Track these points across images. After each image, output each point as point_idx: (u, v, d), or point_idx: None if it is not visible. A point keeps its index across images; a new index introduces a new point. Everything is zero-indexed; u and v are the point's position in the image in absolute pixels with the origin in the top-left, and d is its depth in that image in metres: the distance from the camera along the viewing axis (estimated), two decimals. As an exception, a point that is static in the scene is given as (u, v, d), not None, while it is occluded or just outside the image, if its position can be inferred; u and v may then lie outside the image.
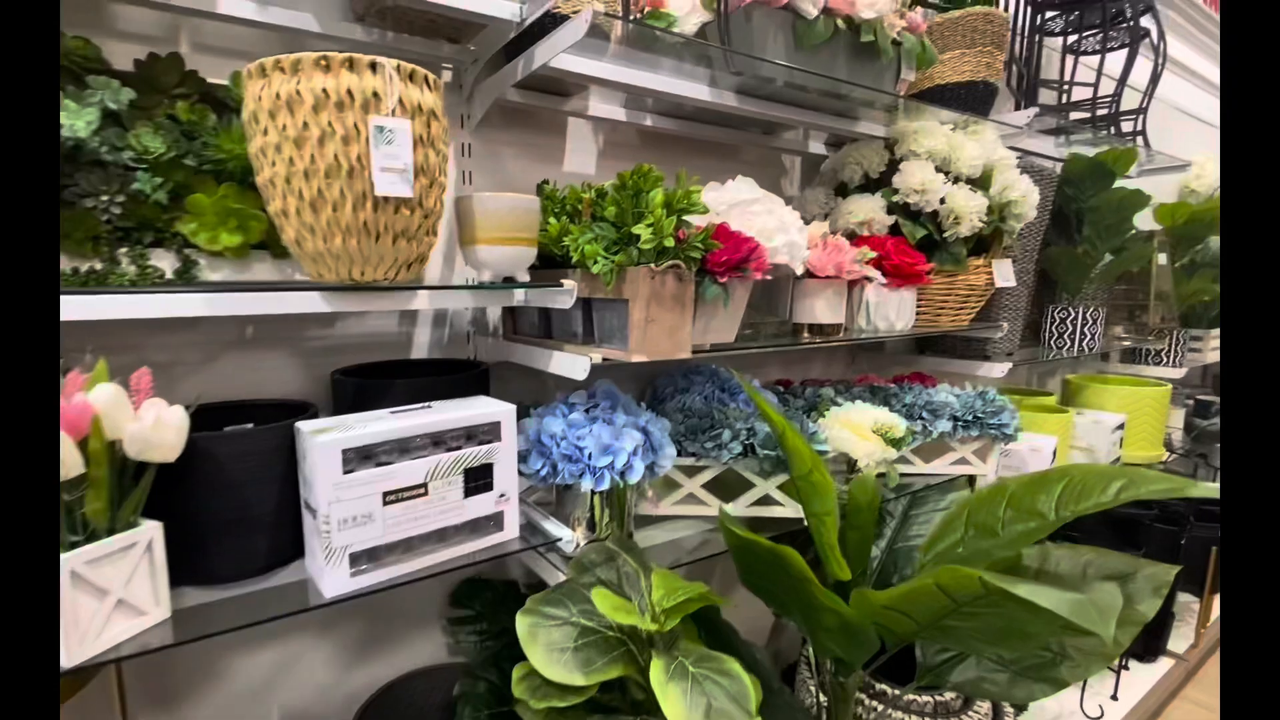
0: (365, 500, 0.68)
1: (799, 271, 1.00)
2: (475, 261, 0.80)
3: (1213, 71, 3.21)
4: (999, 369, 1.45)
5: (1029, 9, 1.59)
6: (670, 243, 0.75)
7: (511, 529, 0.83)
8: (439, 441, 0.73)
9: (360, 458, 0.68)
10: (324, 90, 0.60)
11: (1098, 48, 1.97)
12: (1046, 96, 1.88)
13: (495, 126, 1.10)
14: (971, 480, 1.48)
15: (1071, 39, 1.86)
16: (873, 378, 1.49)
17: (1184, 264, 2.10)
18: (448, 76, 1.05)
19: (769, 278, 0.91)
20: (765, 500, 1.10)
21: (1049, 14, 1.78)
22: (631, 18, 0.97)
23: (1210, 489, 0.80)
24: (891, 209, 1.26)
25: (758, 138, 1.38)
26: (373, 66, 0.62)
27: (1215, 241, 2.48)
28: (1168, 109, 2.94)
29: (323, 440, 0.66)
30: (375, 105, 0.62)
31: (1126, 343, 2.08)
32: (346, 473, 0.67)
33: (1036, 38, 1.59)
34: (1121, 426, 1.87)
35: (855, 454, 1.14)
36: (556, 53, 0.84)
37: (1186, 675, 2.11)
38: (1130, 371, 2.18)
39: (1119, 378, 2.12)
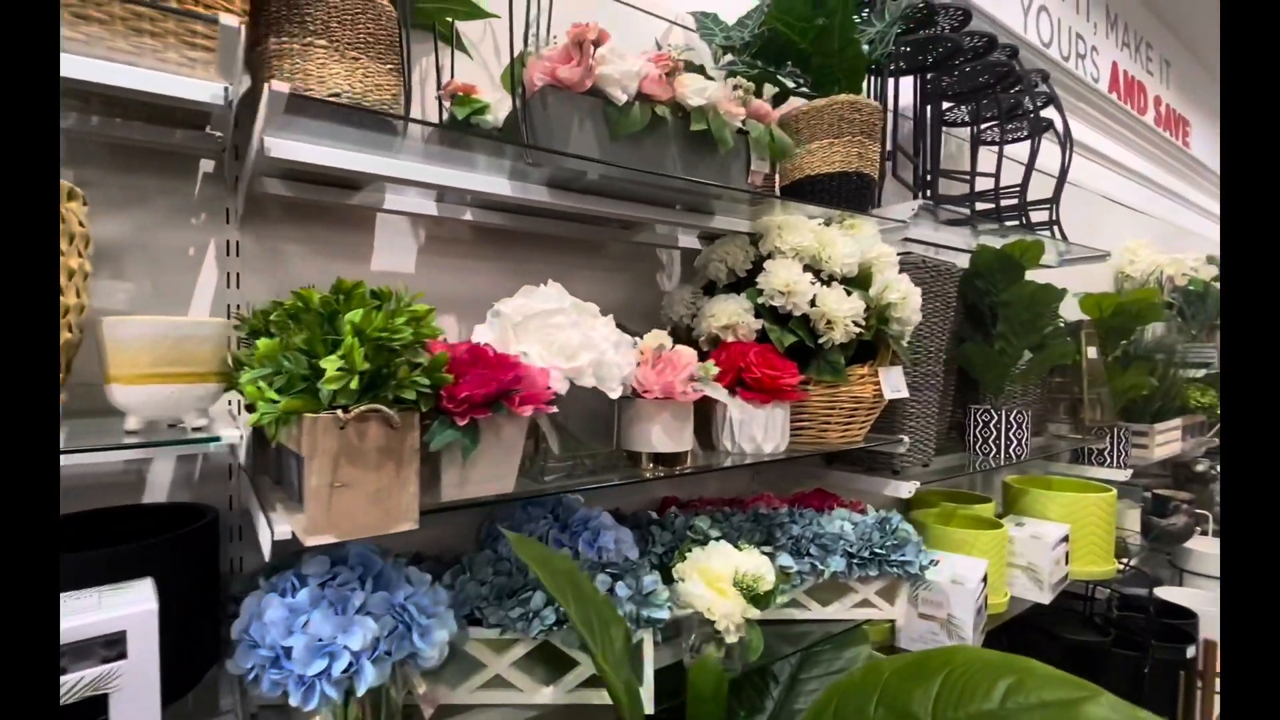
0: None
1: (614, 394, 0.82)
2: (116, 405, 0.60)
3: (1136, 161, 3.25)
4: (905, 488, 1.26)
5: (921, 99, 1.52)
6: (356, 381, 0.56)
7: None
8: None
9: None
10: None
11: (1005, 138, 1.92)
12: (959, 188, 1.80)
13: (275, 221, 0.94)
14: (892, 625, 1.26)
15: (980, 128, 1.80)
16: (767, 497, 1.29)
17: (1117, 356, 1.97)
18: (209, 166, 0.89)
19: (550, 409, 0.73)
20: (594, 682, 0.86)
21: (945, 104, 1.73)
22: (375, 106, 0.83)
23: (1118, 706, 0.59)
24: (759, 312, 1.11)
25: (618, 233, 1.23)
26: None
27: (1155, 329, 2.38)
28: (1096, 199, 2.94)
29: None
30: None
31: (1064, 442, 1.92)
32: None
33: (929, 127, 1.51)
34: (1066, 539, 1.67)
35: (710, 615, 0.91)
36: (279, 141, 0.69)
37: (1173, 834, 1.80)
38: (1075, 472, 2.00)
39: (1063, 480, 1.94)
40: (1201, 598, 2.38)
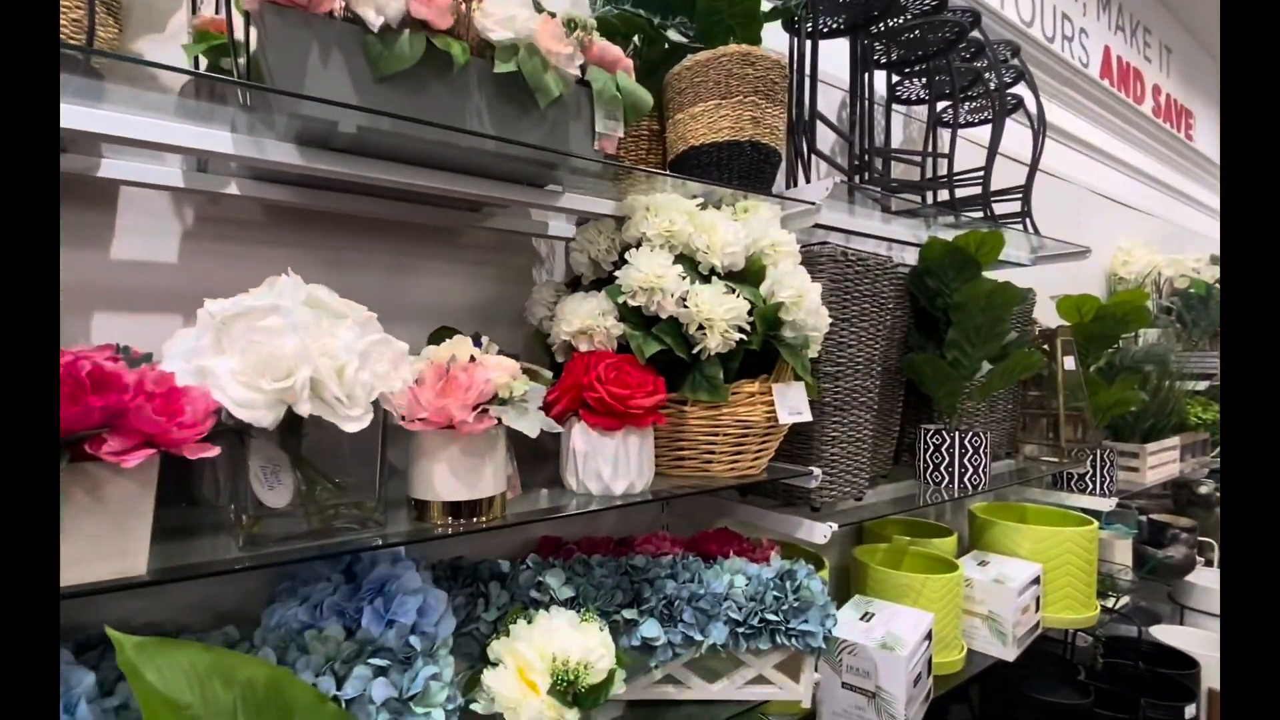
0: None
1: (349, 426, 0.59)
2: None
3: (1133, 155, 3.01)
4: (820, 530, 1.02)
5: (859, 65, 1.29)
6: None
7: None
8: None
9: None
10: None
11: (967, 118, 1.69)
12: (918, 174, 1.57)
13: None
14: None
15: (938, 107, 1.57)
16: (657, 538, 1.05)
17: (1100, 368, 1.73)
18: None
19: (205, 451, 0.50)
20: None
21: (896, 78, 1.50)
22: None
23: None
24: (623, 314, 0.88)
25: (467, 216, 1.01)
26: None
27: (1146, 336, 2.13)
28: (1086, 195, 2.69)
29: None
30: None
31: (1042, 466, 1.67)
32: None
33: (863, 97, 1.28)
34: (1037, 581, 1.43)
35: None
36: None
37: None
38: (1054, 500, 1.75)
39: (1039, 510, 1.70)
40: (1204, 639, 2.12)
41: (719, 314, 0.82)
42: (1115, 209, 2.92)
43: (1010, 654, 1.32)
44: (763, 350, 0.90)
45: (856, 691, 1.04)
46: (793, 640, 0.87)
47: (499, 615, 0.85)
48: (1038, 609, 1.42)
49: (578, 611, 0.81)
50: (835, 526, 1.02)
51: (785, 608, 0.88)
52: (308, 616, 0.73)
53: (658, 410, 0.83)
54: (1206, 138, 3.59)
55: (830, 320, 1.00)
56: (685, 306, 0.84)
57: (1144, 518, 2.29)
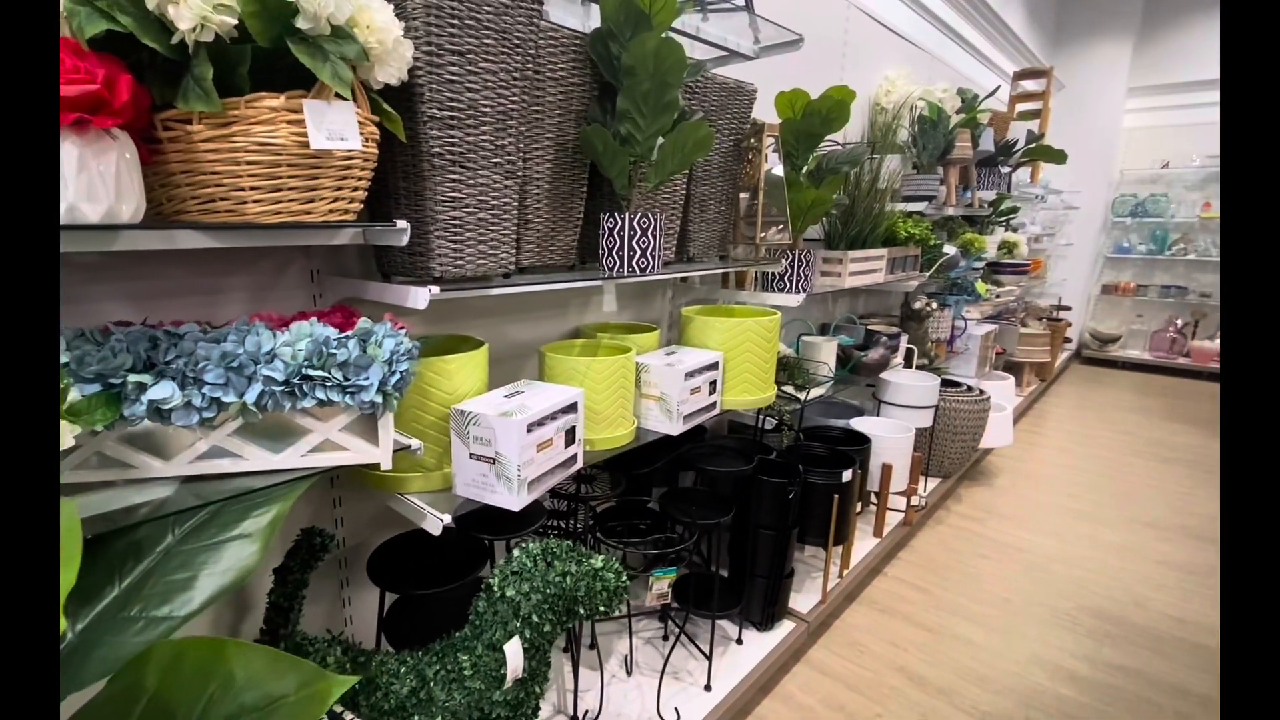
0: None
1: None
2: None
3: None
4: (421, 296, 0.93)
5: None
6: None
7: None
8: None
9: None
10: None
11: None
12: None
13: None
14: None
15: None
16: (262, 317, 0.91)
17: (810, 171, 1.77)
18: None
19: None
20: None
21: None
22: None
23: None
24: (72, -14, 0.64)
25: None
26: None
27: (889, 163, 2.23)
28: (866, 20, 2.66)
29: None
30: None
31: (741, 263, 1.73)
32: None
33: None
34: (714, 367, 1.51)
35: None
36: None
37: (809, 636, 1.91)
38: (757, 300, 1.85)
39: (743, 308, 1.78)
40: (885, 424, 2.49)
41: (182, -18, 0.62)
42: (905, 48, 2.95)
43: (675, 429, 1.41)
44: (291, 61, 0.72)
45: (481, 460, 1.04)
46: (347, 397, 0.80)
47: None
48: (713, 392, 1.52)
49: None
50: (437, 290, 0.93)
51: (342, 364, 0.80)
52: None
53: (117, 111, 0.64)
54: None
55: (430, 48, 0.84)
56: (141, -27, 0.63)
57: (850, 322, 2.56)
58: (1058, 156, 3.34)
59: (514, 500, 1.03)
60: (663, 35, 1.13)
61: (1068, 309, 5.50)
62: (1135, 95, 5.58)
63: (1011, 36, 4.10)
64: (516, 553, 1.03)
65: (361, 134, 0.81)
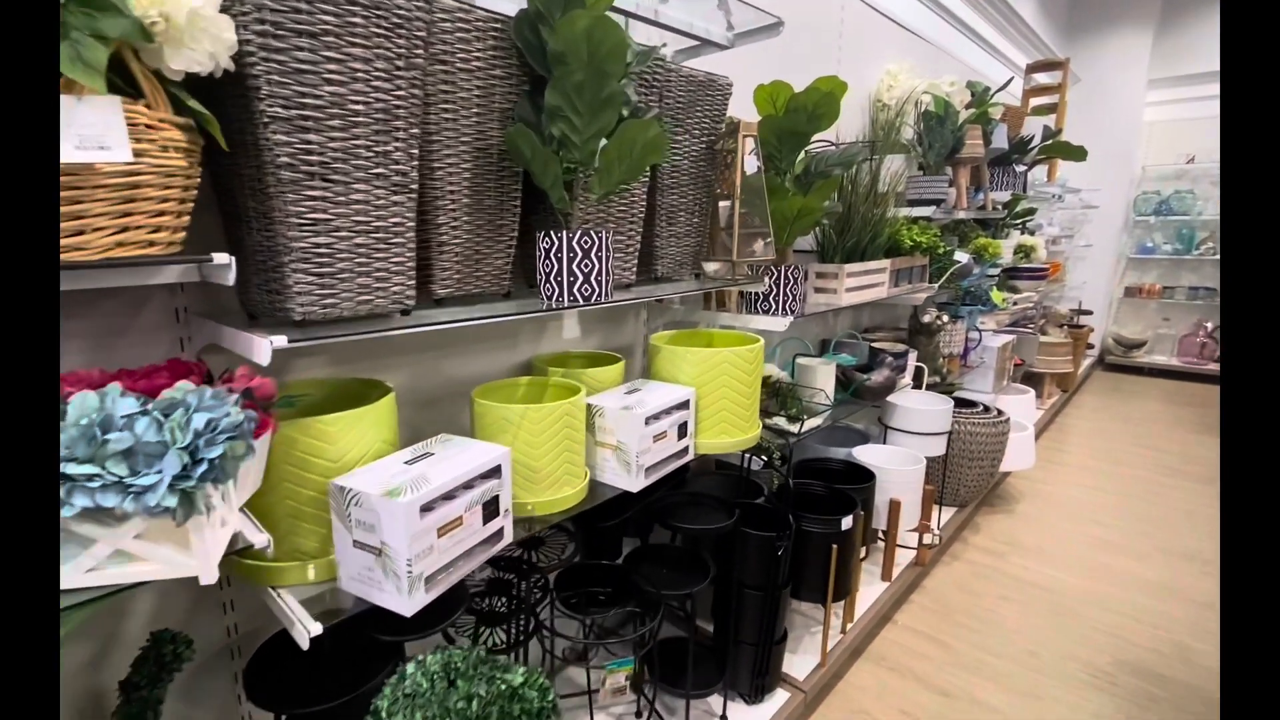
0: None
1: None
2: None
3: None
4: (259, 348, 0.72)
5: None
6: None
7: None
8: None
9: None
10: None
11: None
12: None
13: None
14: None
15: None
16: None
17: (797, 176, 1.54)
18: None
19: None
20: None
21: None
22: None
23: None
24: None
25: None
26: None
27: (893, 163, 1.99)
28: (864, 8, 2.43)
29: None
30: None
31: (715, 283, 1.50)
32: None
33: None
34: (684, 406, 1.28)
35: None
36: None
37: (805, 708, 1.67)
38: (741, 324, 1.62)
39: (724, 334, 1.56)
40: (892, 454, 2.25)
41: None
42: (907, 39, 2.72)
43: (636, 484, 1.19)
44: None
45: (366, 550, 0.82)
46: (128, 500, 0.58)
47: None
48: (683, 435, 1.29)
49: None
50: (283, 340, 0.72)
51: (124, 453, 0.58)
52: None
53: None
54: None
55: (263, 26, 0.63)
56: None
57: (852, 339, 2.32)
58: (1077, 153, 3.08)
59: (404, 603, 0.81)
60: (599, 14, 0.91)
61: (1089, 313, 5.21)
62: (1156, 87, 5.29)
63: (1023, 26, 3.85)
64: (411, 667, 0.81)
65: (156, 141, 0.60)
